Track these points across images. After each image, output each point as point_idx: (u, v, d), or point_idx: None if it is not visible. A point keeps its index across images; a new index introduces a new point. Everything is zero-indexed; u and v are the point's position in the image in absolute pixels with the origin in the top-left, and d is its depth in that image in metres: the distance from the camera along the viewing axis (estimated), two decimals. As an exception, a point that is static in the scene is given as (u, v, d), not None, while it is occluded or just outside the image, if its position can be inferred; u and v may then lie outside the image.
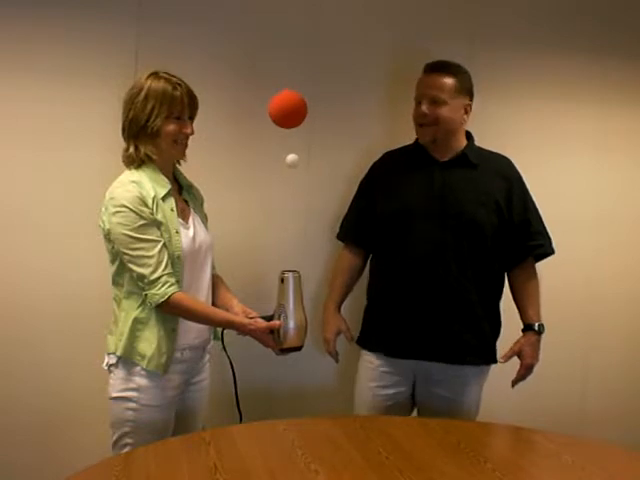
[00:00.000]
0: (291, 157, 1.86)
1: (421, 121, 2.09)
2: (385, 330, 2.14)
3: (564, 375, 2.79)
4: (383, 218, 2.15)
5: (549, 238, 2.18)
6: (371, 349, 2.19)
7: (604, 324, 2.84)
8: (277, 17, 2.41)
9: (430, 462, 1.54)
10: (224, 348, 1.93)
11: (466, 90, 2.12)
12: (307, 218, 2.29)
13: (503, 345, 2.16)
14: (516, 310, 2.19)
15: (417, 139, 2.20)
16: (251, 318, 1.84)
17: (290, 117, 1.86)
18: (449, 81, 2.06)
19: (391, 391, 2.14)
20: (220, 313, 1.86)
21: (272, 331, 1.82)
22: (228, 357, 1.92)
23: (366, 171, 2.30)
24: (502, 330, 2.20)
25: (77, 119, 2.24)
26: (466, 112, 2.13)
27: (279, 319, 1.82)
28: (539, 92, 2.68)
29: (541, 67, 2.66)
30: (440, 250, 2.05)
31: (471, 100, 2.14)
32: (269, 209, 2.47)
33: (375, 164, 2.29)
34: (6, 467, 2.26)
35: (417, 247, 2.07)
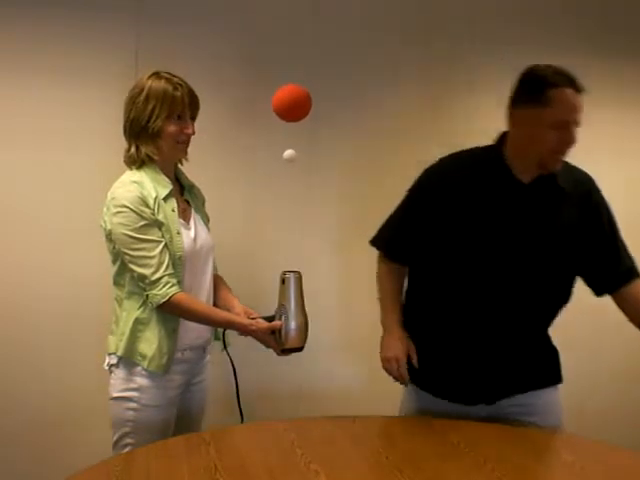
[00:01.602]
0: (288, 152, 1.87)
1: (566, 149, 1.73)
2: (447, 375, 1.86)
3: (564, 375, 2.79)
4: (451, 244, 1.80)
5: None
6: (428, 391, 1.91)
7: (605, 324, 2.84)
8: (277, 16, 2.41)
9: (430, 462, 1.54)
10: (225, 349, 1.93)
11: None
12: (308, 218, 2.29)
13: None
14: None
15: (492, 149, 1.81)
16: (252, 319, 1.84)
17: (294, 110, 1.86)
18: (582, 99, 1.74)
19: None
20: (221, 313, 1.86)
21: (273, 332, 1.82)
22: (229, 358, 1.93)
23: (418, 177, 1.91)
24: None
25: (77, 119, 2.25)
26: None
27: (280, 320, 1.82)
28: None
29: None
30: (518, 289, 1.78)
31: None
32: (270, 209, 2.47)
33: (436, 174, 1.87)
34: (6, 467, 2.26)
35: (492, 283, 1.77)
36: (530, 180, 1.76)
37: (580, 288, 2.79)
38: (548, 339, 1.94)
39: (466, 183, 1.79)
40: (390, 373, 1.88)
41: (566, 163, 1.81)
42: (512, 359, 1.84)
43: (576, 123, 1.71)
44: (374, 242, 2.02)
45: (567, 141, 1.71)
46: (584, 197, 1.82)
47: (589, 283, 1.90)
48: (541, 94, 1.68)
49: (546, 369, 1.92)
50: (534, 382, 1.88)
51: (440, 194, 1.81)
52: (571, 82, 1.72)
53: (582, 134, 2.66)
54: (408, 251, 1.93)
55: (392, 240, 1.97)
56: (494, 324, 1.80)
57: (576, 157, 2.70)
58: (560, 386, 1.94)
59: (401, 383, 1.89)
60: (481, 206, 1.76)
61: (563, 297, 1.88)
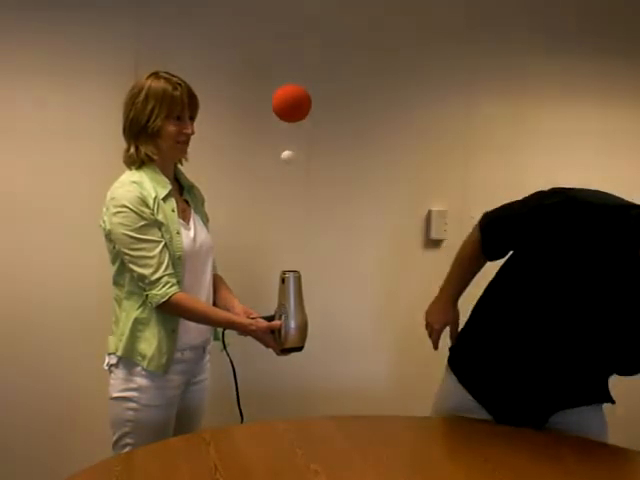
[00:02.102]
0: (286, 153, 1.87)
1: None
2: (498, 390, 1.83)
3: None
4: (543, 277, 1.72)
5: None
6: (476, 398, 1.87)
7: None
8: (278, 16, 2.41)
9: (430, 462, 1.54)
10: (225, 348, 1.93)
11: None
12: (308, 218, 2.29)
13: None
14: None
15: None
16: (252, 318, 1.84)
17: (293, 111, 1.86)
18: None
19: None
20: (221, 313, 1.86)
21: (273, 331, 1.82)
22: (229, 357, 1.92)
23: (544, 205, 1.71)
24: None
25: (77, 119, 2.24)
26: None
27: (280, 319, 1.81)
28: (539, 92, 2.67)
29: (541, 67, 2.66)
30: (589, 348, 1.72)
31: None
32: (270, 209, 2.47)
33: (572, 211, 1.65)
34: (6, 467, 2.26)
35: (564, 332, 1.71)
36: None
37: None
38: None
39: (593, 239, 1.63)
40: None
41: None
42: (568, 389, 1.80)
43: None
44: (482, 222, 1.88)
45: None
46: None
47: None
48: None
49: (595, 389, 1.87)
50: (582, 400, 1.83)
51: (562, 230, 1.66)
52: None
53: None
54: (499, 254, 1.87)
55: (491, 236, 1.86)
56: (556, 361, 1.75)
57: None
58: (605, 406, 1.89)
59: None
60: (593, 263, 1.64)
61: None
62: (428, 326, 1.97)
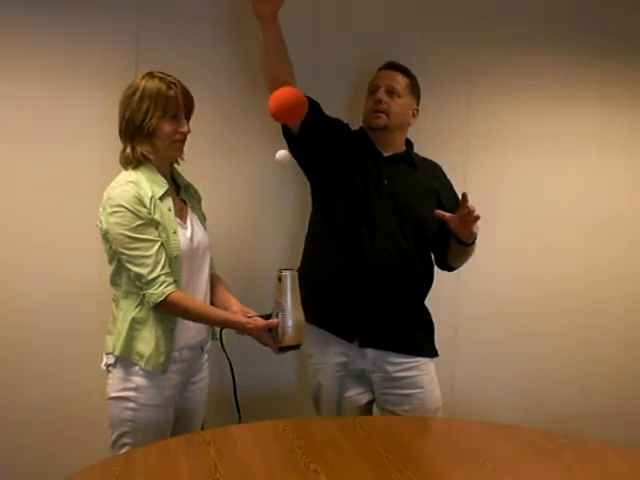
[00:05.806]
0: (281, 153, 1.86)
1: (376, 107, 2.12)
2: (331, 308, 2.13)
3: (563, 375, 2.79)
4: (337, 183, 2.14)
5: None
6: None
7: (604, 323, 2.84)
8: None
9: (430, 462, 1.54)
10: (223, 348, 1.93)
11: (417, 93, 2.19)
12: (305, 216, 2.28)
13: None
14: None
15: (361, 128, 2.22)
16: (249, 317, 1.84)
17: (289, 112, 1.87)
18: (404, 79, 2.15)
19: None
20: (218, 312, 1.86)
21: (270, 330, 1.82)
22: (227, 357, 1.92)
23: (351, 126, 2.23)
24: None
25: (77, 119, 2.23)
26: (413, 115, 2.19)
27: (277, 317, 1.81)
28: (539, 92, 2.67)
29: (540, 67, 2.66)
30: (390, 242, 2.08)
31: (418, 105, 2.20)
32: (268, 208, 2.46)
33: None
34: (6, 467, 2.25)
35: (365, 233, 2.08)
36: (390, 155, 2.18)
37: (577, 289, 2.81)
38: (424, 309, 2.18)
39: (356, 144, 2.18)
40: None
41: (420, 155, 2.24)
42: (386, 307, 2.08)
43: (384, 86, 2.13)
44: None
45: (376, 99, 2.12)
46: (434, 175, 2.24)
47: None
48: None
49: (422, 338, 2.15)
50: (410, 346, 2.10)
51: (351, 141, 2.19)
52: (387, 65, 2.16)
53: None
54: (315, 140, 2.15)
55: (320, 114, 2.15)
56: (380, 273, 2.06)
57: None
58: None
59: None
60: (360, 165, 2.14)
61: (426, 257, 2.18)
62: None
